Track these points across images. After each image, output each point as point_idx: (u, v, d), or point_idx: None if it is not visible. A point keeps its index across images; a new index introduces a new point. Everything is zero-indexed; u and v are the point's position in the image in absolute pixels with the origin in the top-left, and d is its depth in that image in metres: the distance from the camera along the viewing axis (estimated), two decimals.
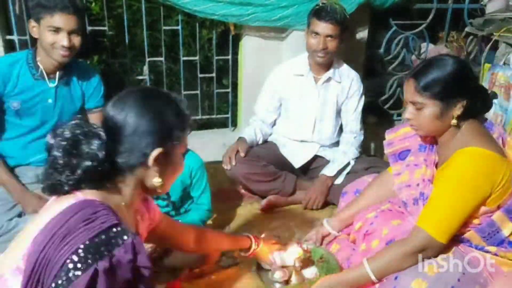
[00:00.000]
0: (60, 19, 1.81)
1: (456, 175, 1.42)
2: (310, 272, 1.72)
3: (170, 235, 1.42)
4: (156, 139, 1.03)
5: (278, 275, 1.67)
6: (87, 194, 0.98)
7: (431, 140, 1.64)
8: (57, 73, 1.96)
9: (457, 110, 1.45)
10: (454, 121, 1.47)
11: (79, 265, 0.84)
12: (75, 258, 0.85)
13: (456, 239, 1.50)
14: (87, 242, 0.86)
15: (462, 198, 1.41)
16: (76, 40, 1.88)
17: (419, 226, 1.44)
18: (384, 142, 1.78)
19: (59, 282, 0.84)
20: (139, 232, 1.18)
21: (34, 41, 2.38)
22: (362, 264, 1.50)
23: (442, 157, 1.57)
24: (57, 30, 1.82)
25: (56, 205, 0.96)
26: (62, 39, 1.82)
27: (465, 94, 1.44)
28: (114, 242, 0.89)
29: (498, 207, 1.44)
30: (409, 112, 1.51)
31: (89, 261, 0.85)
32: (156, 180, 1.06)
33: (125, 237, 0.91)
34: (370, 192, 1.82)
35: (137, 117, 1.03)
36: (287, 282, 1.69)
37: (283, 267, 1.70)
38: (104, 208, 0.94)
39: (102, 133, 0.99)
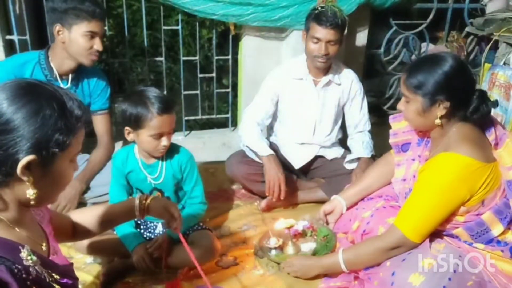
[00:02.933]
0: (96, 25, 1.92)
1: (433, 179, 1.43)
2: (308, 247, 1.81)
3: (61, 223, 1.26)
4: (26, 144, 0.85)
5: (273, 241, 1.79)
6: None
7: (425, 134, 1.65)
8: (70, 75, 2.03)
9: (440, 110, 1.45)
10: (438, 121, 1.47)
11: None
12: None
13: (445, 233, 1.52)
14: None
15: (437, 202, 1.43)
16: (103, 44, 1.99)
17: (395, 225, 1.48)
18: (390, 131, 1.79)
19: None
20: (45, 231, 1.08)
21: (34, 41, 2.40)
22: (337, 252, 1.57)
23: (431, 154, 1.58)
24: (93, 35, 1.92)
25: None
26: (97, 44, 1.94)
27: (449, 96, 1.42)
28: None
29: (483, 203, 1.44)
30: (400, 102, 1.56)
31: None
32: (29, 192, 0.89)
33: None
34: (375, 170, 1.85)
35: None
36: (282, 250, 1.81)
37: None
38: None
39: None
